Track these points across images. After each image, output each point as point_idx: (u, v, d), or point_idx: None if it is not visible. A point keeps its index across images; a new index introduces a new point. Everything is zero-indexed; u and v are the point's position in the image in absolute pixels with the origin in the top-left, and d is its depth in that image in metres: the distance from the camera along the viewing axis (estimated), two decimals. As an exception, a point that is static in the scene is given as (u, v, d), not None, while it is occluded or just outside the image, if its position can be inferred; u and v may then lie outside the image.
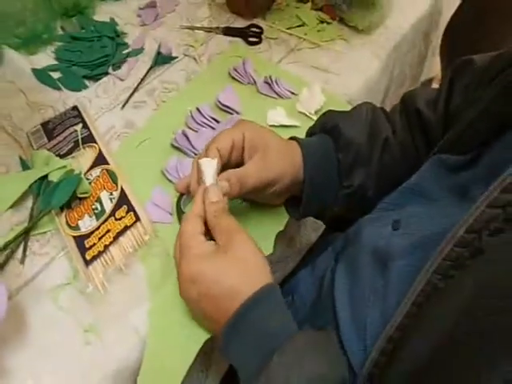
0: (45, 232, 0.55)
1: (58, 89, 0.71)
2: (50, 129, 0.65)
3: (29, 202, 0.57)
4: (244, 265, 0.45)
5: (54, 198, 0.56)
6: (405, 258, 0.43)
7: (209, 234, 0.48)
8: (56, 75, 0.72)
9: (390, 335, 0.38)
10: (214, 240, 0.48)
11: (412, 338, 0.36)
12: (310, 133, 0.60)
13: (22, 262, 0.53)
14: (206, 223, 0.48)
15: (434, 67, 1.09)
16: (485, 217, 0.34)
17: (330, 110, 0.60)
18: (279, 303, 0.45)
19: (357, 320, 0.45)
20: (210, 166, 0.49)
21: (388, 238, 0.46)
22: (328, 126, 0.57)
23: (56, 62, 0.74)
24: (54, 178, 0.57)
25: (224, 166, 0.51)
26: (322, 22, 0.85)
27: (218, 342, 0.46)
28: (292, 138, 0.57)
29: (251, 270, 0.45)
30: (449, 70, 0.58)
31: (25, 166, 0.60)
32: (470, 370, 0.30)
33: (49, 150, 0.61)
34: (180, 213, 0.57)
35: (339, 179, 0.56)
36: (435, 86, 1.29)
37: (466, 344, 0.31)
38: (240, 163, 0.53)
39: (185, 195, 0.56)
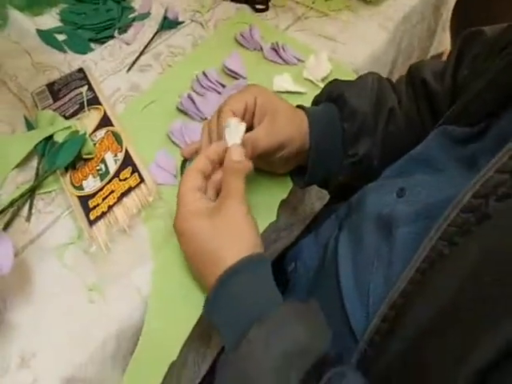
0: (50, 191, 0.56)
1: (64, 51, 0.70)
2: (55, 90, 0.64)
3: (34, 162, 0.58)
4: (233, 230, 0.45)
5: (58, 158, 0.56)
6: (409, 225, 0.43)
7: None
8: (61, 37, 0.72)
9: (393, 301, 0.38)
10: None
11: (415, 304, 0.36)
12: (316, 101, 0.60)
13: (28, 219, 0.53)
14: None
15: (443, 42, 1.07)
16: (492, 182, 0.34)
17: (336, 79, 0.60)
18: (265, 274, 0.44)
19: (360, 287, 0.45)
20: (238, 128, 0.49)
21: (392, 205, 0.46)
22: (333, 94, 0.57)
23: (61, 24, 0.73)
24: (59, 138, 0.57)
25: None
26: (330, -9, 0.84)
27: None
28: (298, 107, 0.57)
29: (239, 237, 0.45)
30: (458, 41, 0.57)
31: (30, 126, 0.60)
32: (473, 335, 0.30)
33: (54, 110, 0.61)
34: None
35: (344, 148, 0.56)
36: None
37: (470, 309, 0.31)
38: (249, 127, 0.53)
39: (189, 159, 0.56)
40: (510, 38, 0.48)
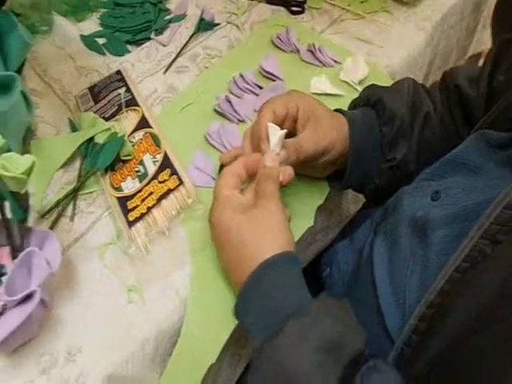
0: (91, 192, 0.57)
1: (103, 54, 0.72)
2: (95, 92, 0.66)
3: (77, 163, 0.59)
4: (268, 227, 0.45)
5: (99, 160, 0.57)
6: (445, 228, 0.42)
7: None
8: (101, 41, 0.73)
9: (431, 301, 0.38)
10: None
11: (456, 303, 0.36)
12: (354, 105, 0.61)
13: (72, 219, 0.55)
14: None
15: (484, 40, 1.04)
16: None
17: (373, 84, 0.61)
18: (297, 271, 0.45)
19: (396, 290, 0.45)
20: (276, 134, 0.49)
21: (427, 208, 0.46)
22: (372, 99, 0.57)
23: (101, 28, 0.75)
24: (100, 140, 0.59)
25: None
26: (365, -8, 0.83)
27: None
28: (337, 110, 0.57)
29: (273, 234, 0.45)
30: (494, 47, 0.57)
31: (73, 127, 0.62)
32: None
33: (95, 112, 0.63)
34: None
35: (382, 152, 0.56)
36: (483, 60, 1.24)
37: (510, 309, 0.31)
38: (291, 133, 0.53)
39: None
40: None
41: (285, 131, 0.49)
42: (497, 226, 0.35)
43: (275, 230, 0.45)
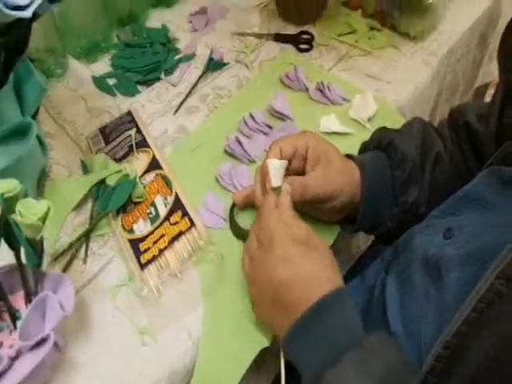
0: (103, 234, 0.57)
1: (114, 95, 0.73)
2: (106, 133, 0.67)
3: (89, 205, 0.60)
4: (328, 264, 0.47)
5: (110, 202, 0.58)
6: (459, 269, 0.42)
7: None
8: (112, 81, 0.75)
9: (447, 341, 0.37)
10: None
11: (472, 344, 0.36)
12: (364, 148, 0.61)
13: (85, 261, 0.55)
14: None
15: (490, 72, 1.05)
16: None
17: (384, 127, 0.61)
18: (351, 305, 0.46)
19: (410, 331, 0.45)
20: (278, 167, 0.51)
21: (440, 246, 0.46)
22: (383, 142, 0.58)
23: (112, 69, 0.77)
24: (111, 181, 0.59)
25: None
26: (372, 29, 0.84)
27: (280, 335, 0.46)
28: (347, 156, 0.58)
29: (332, 270, 0.47)
30: (503, 82, 0.57)
31: (85, 169, 0.63)
32: None
33: (106, 153, 0.64)
34: (233, 223, 0.58)
35: (394, 196, 0.56)
36: (491, 91, 1.25)
37: None
38: (300, 172, 0.54)
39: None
40: None
41: (285, 162, 0.50)
42: None
43: (334, 264, 0.48)
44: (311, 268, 0.46)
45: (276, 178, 0.51)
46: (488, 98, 1.26)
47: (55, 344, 0.44)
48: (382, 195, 0.56)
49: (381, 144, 0.58)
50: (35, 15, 0.44)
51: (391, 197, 0.56)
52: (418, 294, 0.46)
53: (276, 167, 0.51)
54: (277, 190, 0.51)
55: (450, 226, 0.47)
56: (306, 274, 0.46)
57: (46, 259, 0.54)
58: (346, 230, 0.59)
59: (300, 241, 0.47)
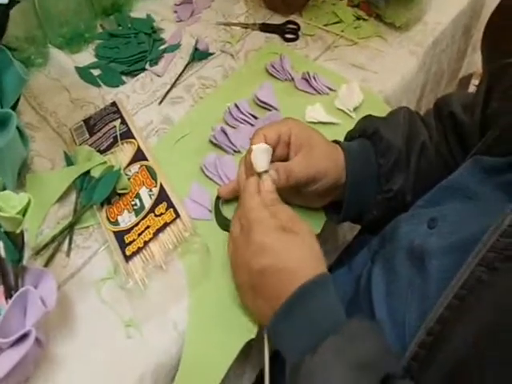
0: (88, 226, 0.57)
1: (98, 85, 0.72)
2: (91, 125, 0.66)
3: (73, 197, 0.59)
4: (311, 249, 0.47)
5: (95, 194, 0.57)
6: (442, 258, 0.43)
7: None
8: (96, 72, 0.74)
9: (431, 327, 0.38)
10: None
11: (454, 330, 0.36)
12: (350, 137, 0.61)
13: (68, 254, 0.54)
14: None
15: (474, 63, 1.06)
16: None
17: (369, 115, 0.61)
18: (334, 292, 0.46)
19: (395, 319, 0.45)
20: (263, 152, 0.50)
21: (424, 236, 0.46)
22: (368, 130, 0.58)
23: (96, 60, 0.75)
24: (96, 173, 0.58)
25: None
26: (358, 18, 0.84)
27: (264, 321, 0.47)
28: (334, 141, 0.58)
29: (316, 256, 0.47)
30: (487, 74, 0.58)
31: (69, 161, 0.62)
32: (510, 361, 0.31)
33: (90, 145, 0.63)
34: (219, 214, 0.57)
35: (379, 183, 0.57)
36: (475, 81, 1.26)
37: (509, 337, 0.32)
38: (284, 159, 0.54)
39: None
40: None
41: (269, 147, 0.51)
42: (493, 253, 0.35)
43: (316, 251, 0.47)
44: (293, 255, 0.46)
45: (262, 162, 0.51)
46: (472, 88, 1.29)
47: (37, 340, 0.43)
48: (366, 182, 0.56)
49: (366, 132, 0.58)
50: (12, 2, 0.43)
51: (376, 184, 0.57)
52: (403, 283, 0.46)
53: (261, 151, 0.51)
54: (262, 175, 0.51)
55: (434, 216, 0.47)
56: (286, 262, 0.45)
57: (28, 253, 0.53)
58: (333, 220, 0.59)
59: (281, 226, 0.47)
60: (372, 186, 0.57)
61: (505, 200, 0.43)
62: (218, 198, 0.58)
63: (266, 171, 0.51)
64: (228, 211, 0.58)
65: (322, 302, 0.44)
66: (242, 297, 0.51)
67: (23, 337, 0.42)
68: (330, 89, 0.71)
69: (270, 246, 0.46)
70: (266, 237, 0.46)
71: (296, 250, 0.46)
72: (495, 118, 0.52)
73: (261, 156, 0.51)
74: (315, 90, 0.71)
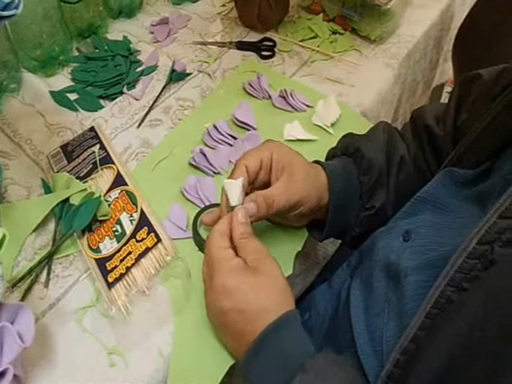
0: (67, 255, 0.56)
1: (75, 110, 0.72)
2: (69, 151, 0.65)
3: (51, 226, 0.58)
4: (273, 288, 0.47)
5: (75, 222, 0.56)
6: (416, 274, 0.43)
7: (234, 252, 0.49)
8: (73, 96, 0.73)
9: (405, 347, 0.38)
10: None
11: (427, 350, 0.36)
12: (332, 155, 0.62)
13: (46, 285, 0.54)
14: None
15: (446, 72, 1.09)
16: (496, 228, 0.34)
17: (350, 133, 0.62)
18: (300, 327, 0.46)
19: (373, 337, 0.46)
20: (234, 186, 0.50)
21: (399, 251, 0.47)
22: (350, 149, 0.59)
23: (72, 83, 0.75)
24: (75, 200, 0.58)
25: (251, 185, 0.53)
26: (334, 32, 0.85)
27: (238, 358, 0.47)
28: (316, 162, 0.58)
29: (279, 295, 0.47)
30: (457, 86, 0.59)
31: (47, 188, 0.61)
32: (484, 379, 0.31)
33: (69, 172, 0.62)
34: (196, 234, 0.57)
35: (361, 201, 0.57)
36: (447, 89, 1.30)
37: (479, 357, 0.32)
38: (267, 183, 0.54)
39: (201, 216, 0.58)
40: (503, 84, 0.49)
41: (240, 180, 0.50)
42: (460, 274, 0.36)
43: (282, 289, 0.47)
44: (256, 296, 0.46)
45: (234, 196, 0.50)
46: (445, 95, 1.32)
47: (15, 376, 0.42)
48: (349, 201, 0.57)
49: (347, 150, 0.59)
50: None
51: (358, 203, 0.57)
52: (380, 300, 0.47)
53: (232, 186, 0.50)
54: (235, 208, 0.51)
55: (408, 228, 0.48)
56: (249, 304, 0.46)
57: (4, 286, 0.52)
58: (315, 237, 0.59)
59: (243, 267, 0.47)
60: (354, 205, 0.57)
61: (475, 213, 0.43)
62: (195, 218, 0.58)
63: (240, 205, 0.50)
64: (206, 232, 0.58)
65: (289, 341, 0.44)
66: (215, 331, 0.51)
67: (0, 374, 0.42)
68: (307, 105, 0.72)
69: (232, 288, 0.46)
70: (227, 279, 0.46)
71: (259, 291, 0.46)
72: (465, 129, 0.53)
73: (233, 190, 0.50)
74: (292, 107, 0.71)
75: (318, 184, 0.55)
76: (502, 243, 0.34)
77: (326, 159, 0.62)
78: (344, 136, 0.62)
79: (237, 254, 0.49)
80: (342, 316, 0.52)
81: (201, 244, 0.57)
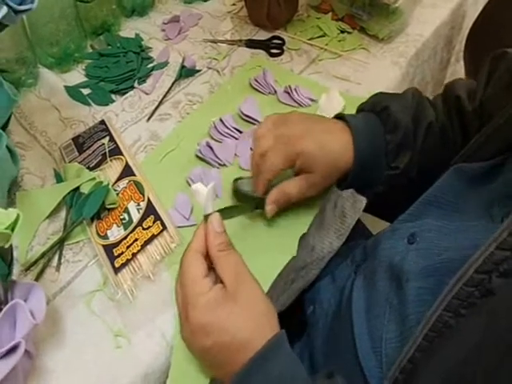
0: (78, 241, 0.58)
1: (88, 104, 0.74)
2: (80, 143, 0.68)
3: (63, 213, 0.60)
4: (255, 314, 0.45)
5: (85, 209, 0.58)
6: (418, 281, 0.43)
7: (211, 268, 0.48)
8: (86, 91, 0.76)
9: (403, 366, 0.38)
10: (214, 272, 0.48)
11: (423, 371, 0.37)
12: (360, 109, 0.62)
13: (58, 269, 0.56)
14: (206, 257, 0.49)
15: (458, 72, 1.08)
16: (494, 258, 0.34)
17: (381, 92, 0.62)
18: (287, 350, 0.44)
19: (373, 336, 0.45)
20: (207, 193, 0.49)
21: (403, 253, 0.46)
22: (378, 107, 0.59)
23: (86, 79, 0.78)
24: (85, 189, 0.60)
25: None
26: (342, 31, 0.86)
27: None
28: (339, 118, 0.59)
29: (261, 320, 0.45)
30: (486, 62, 0.59)
31: (59, 178, 0.63)
32: None
33: (79, 162, 0.65)
34: (239, 192, 0.59)
35: (386, 160, 0.57)
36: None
37: (474, 381, 0.32)
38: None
39: (242, 179, 0.60)
40: None
41: (210, 187, 0.48)
42: (457, 300, 0.36)
43: (264, 313, 0.46)
44: (237, 329, 0.44)
45: (207, 205, 0.49)
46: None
47: (26, 352, 0.44)
48: (374, 160, 0.57)
49: (375, 108, 0.59)
50: (1, 25, 0.45)
51: (384, 160, 0.57)
52: (382, 301, 0.46)
53: (203, 194, 0.49)
54: (209, 217, 0.49)
55: (414, 231, 0.47)
56: (232, 337, 0.44)
57: (18, 269, 0.55)
58: (340, 186, 0.60)
59: (222, 297, 0.45)
60: (380, 163, 0.57)
61: (482, 214, 0.43)
62: (235, 180, 0.60)
63: (214, 213, 0.49)
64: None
65: (278, 367, 0.43)
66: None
67: (13, 349, 0.43)
68: (312, 100, 0.73)
69: (210, 324, 0.44)
70: (204, 317, 0.45)
71: (240, 321, 0.45)
72: (488, 107, 0.53)
73: (204, 198, 0.49)
74: (297, 102, 0.72)
75: (344, 150, 0.56)
76: (499, 273, 0.34)
77: (356, 113, 0.62)
78: (374, 94, 0.62)
79: (213, 268, 0.48)
80: (344, 312, 0.51)
81: (246, 200, 0.59)
